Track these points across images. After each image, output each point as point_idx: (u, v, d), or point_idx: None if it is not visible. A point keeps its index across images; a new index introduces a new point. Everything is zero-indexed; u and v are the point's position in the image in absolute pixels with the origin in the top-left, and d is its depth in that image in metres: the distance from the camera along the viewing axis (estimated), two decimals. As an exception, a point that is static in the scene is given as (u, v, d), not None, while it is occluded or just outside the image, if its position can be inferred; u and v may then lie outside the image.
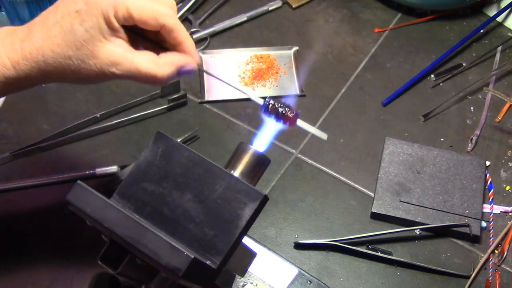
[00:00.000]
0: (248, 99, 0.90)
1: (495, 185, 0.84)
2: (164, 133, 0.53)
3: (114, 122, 0.87)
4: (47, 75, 0.54)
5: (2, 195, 0.80)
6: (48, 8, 0.54)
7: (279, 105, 0.56)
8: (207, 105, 0.91)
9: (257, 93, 0.92)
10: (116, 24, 0.52)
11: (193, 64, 0.56)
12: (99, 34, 0.51)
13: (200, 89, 0.92)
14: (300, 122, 0.56)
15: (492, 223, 0.81)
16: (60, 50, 0.52)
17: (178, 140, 0.59)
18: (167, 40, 0.55)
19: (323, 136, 0.58)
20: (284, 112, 0.56)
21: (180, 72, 0.55)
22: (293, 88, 0.93)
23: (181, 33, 0.54)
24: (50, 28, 0.52)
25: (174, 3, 0.55)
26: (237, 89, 0.61)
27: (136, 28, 0.54)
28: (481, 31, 1.01)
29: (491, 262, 0.78)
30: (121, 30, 0.52)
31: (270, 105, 0.56)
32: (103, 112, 0.87)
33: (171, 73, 0.54)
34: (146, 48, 0.55)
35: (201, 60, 0.88)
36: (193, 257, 0.44)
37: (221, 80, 0.60)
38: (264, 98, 0.57)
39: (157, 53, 0.55)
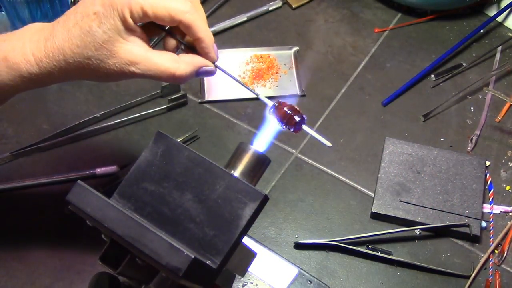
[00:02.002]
0: (248, 99, 0.91)
1: (495, 185, 0.84)
2: (164, 133, 0.53)
3: (114, 122, 0.87)
4: (68, 73, 0.56)
5: (2, 195, 0.80)
6: (71, 8, 0.55)
7: (287, 109, 0.56)
8: (207, 105, 0.91)
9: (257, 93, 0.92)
10: (133, 24, 0.53)
11: (211, 67, 0.57)
12: (117, 35, 0.53)
13: (200, 89, 0.92)
14: (306, 128, 0.56)
15: (492, 223, 0.81)
16: (79, 51, 0.53)
17: (178, 140, 0.59)
18: (186, 34, 0.56)
19: (327, 143, 0.58)
20: (291, 116, 0.55)
21: (199, 73, 0.57)
22: (293, 88, 0.93)
23: (199, 28, 0.55)
24: (70, 28, 0.54)
25: None
26: (247, 88, 0.61)
27: (161, 25, 0.55)
28: (481, 31, 1.01)
29: (491, 262, 0.78)
30: (138, 30, 0.54)
31: (279, 108, 0.56)
32: (103, 112, 0.87)
33: (189, 73, 0.56)
34: (171, 44, 0.57)
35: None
36: (193, 257, 0.44)
37: (236, 80, 0.60)
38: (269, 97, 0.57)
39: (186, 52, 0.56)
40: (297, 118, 0.55)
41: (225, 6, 1.03)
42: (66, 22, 0.54)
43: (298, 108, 0.56)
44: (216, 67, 0.58)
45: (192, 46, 0.57)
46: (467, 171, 0.83)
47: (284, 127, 0.56)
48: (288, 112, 0.55)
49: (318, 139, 0.57)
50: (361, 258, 0.78)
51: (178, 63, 0.55)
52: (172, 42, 0.58)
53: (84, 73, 0.55)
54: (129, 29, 0.53)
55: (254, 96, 0.90)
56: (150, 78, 0.55)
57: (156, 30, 0.57)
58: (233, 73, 0.93)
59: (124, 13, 0.52)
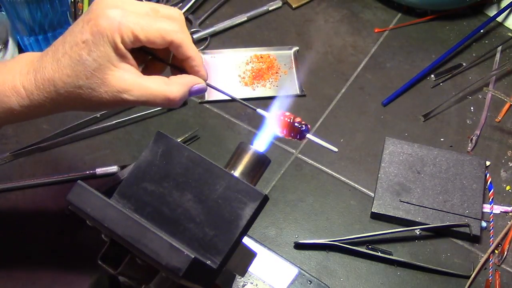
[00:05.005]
0: (248, 100, 0.91)
1: (495, 185, 0.84)
2: (164, 133, 0.53)
3: (114, 122, 0.87)
4: (59, 105, 0.55)
5: (2, 195, 0.80)
6: (59, 38, 0.54)
7: (289, 119, 0.55)
8: (207, 105, 0.91)
9: (257, 93, 0.92)
10: (124, 50, 0.52)
11: (203, 84, 0.56)
12: (108, 62, 0.52)
13: (200, 89, 0.92)
14: (310, 136, 0.56)
15: (492, 223, 0.81)
16: (70, 80, 0.53)
17: (178, 140, 0.59)
18: (175, 55, 0.55)
19: (334, 149, 0.57)
20: (294, 126, 0.55)
21: (192, 93, 0.56)
22: (293, 88, 0.93)
23: (189, 47, 0.54)
24: (60, 59, 0.53)
25: (182, 17, 0.55)
26: (244, 104, 0.60)
27: (145, 48, 0.54)
28: (481, 31, 1.01)
29: (491, 262, 0.78)
30: (130, 56, 0.53)
31: (280, 119, 0.55)
32: (103, 112, 0.87)
33: (182, 94, 0.55)
34: (156, 68, 0.56)
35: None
36: (193, 257, 0.44)
37: (228, 95, 0.60)
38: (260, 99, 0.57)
39: (169, 71, 0.56)
40: (300, 127, 0.55)
41: (225, 6, 1.03)
42: (55, 53, 0.53)
43: (299, 117, 0.56)
44: (208, 85, 0.58)
45: (179, 68, 0.57)
46: (467, 171, 0.83)
47: (288, 137, 0.56)
48: (291, 122, 0.55)
49: (324, 146, 0.57)
50: (361, 258, 0.78)
51: (171, 86, 0.54)
52: (156, 67, 0.57)
53: (76, 102, 0.54)
54: (120, 56, 0.52)
55: (254, 96, 0.90)
56: (143, 105, 0.55)
57: (142, 57, 0.56)
58: (233, 73, 0.94)
59: (115, 39, 0.51)
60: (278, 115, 0.56)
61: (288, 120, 0.55)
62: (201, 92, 0.57)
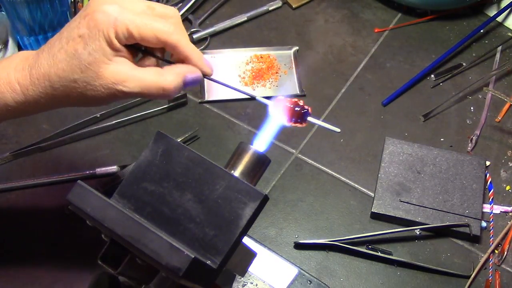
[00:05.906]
0: (248, 99, 0.91)
1: (495, 185, 0.84)
2: (164, 133, 0.53)
3: (114, 122, 0.87)
4: (54, 100, 0.55)
5: (2, 195, 0.80)
6: (55, 35, 0.55)
7: (290, 104, 0.56)
8: (207, 105, 0.91)
9: (257, 93, 0.92)
10: (118, 45, 0.52)
11: (197, 73, 0.56)
12: (102, 56, 0.52)
13: (200, 89, 0.92)
14: (311, 119, 0.56)
15: (492, 223, 0.81)
16: (65, 75, 0.53)
17: (178, 140, 0.59)
18: (173, 54, 0.55)
19: (336, 129, 0.57)
20: (295, 110, 0.55)
21: (187, 83, 0.56)
22: (293, 88, 0.93)
23: (186, 47, 0.54)
24: (55, 54, 0.53)
25: (178, 16, 0.55)
26: (243, 92, 0.61)
27: (141, 46, 0.54)
28: (481, 31, 1.01)
29: (491, 262, 0.78)
30: (124, 50, 0.53)
31: (282, 105, 0.56)
32: (103, 112, 0.87)
33: (177, 84, 0.55)
34: (150, 63, 0.56)
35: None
36: (193, 257, 0.44)
37: (231, 87, 0.60)
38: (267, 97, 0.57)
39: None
40: (302, 111, 0.55)
41: (225, 6, 1.03)
42: (51, 49, 0.54)
43: (301, 102, 0.56)
44: (208, 79, 0.58)
45: (172, 62, 0.57)
46: (467, 171, 0.83)
47: (290, 122, 0.56)
48: (292, 106, 0.55)
49: (326, 127, 0.57)
50: (361, 258, 0.78)
51: (165, 76, 0.54)
52: (149, 61, 0.57)
53: (72, 97, 0.55)
54: (114, 50, 0.52)
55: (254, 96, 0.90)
56: (139, 96, 0.55)
57: (136, 51, 0.56)
58: (233, 73, 0.94)
59: (109, 34, 0.51)
60: (278, 101, 0.56)
61: (289, 105, 0.55)
62: (196, 82, 0.57)
